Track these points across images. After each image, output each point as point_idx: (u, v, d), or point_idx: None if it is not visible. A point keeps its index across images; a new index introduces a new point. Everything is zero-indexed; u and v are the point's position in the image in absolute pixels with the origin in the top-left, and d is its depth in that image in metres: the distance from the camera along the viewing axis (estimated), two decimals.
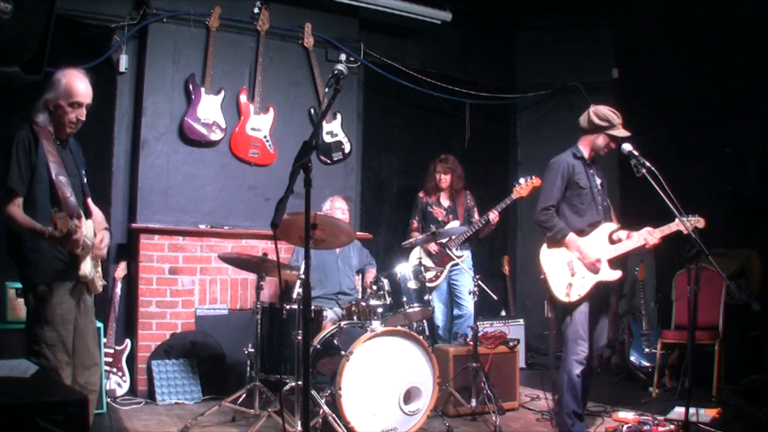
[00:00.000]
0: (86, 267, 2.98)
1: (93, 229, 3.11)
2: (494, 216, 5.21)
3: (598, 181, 3.85)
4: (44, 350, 2.86)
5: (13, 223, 2.85)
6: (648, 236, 3.63)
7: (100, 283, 3.15)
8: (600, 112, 3.75)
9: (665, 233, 3.61)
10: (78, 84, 2.96)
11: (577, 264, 3.74)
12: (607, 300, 3.95)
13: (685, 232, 3.54)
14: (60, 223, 2.70)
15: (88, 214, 3.13)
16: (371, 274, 5.03)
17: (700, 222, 3.53)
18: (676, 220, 3.54)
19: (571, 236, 3.72)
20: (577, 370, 3.66)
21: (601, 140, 3.77)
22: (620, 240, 3.74)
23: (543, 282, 3.83)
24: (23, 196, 2.87)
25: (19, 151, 2.85)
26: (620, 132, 3.71)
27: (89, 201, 3.19)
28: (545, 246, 3.87)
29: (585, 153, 3.83)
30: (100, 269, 3.16)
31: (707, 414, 4.21)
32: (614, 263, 3.71)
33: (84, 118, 3.01)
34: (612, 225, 3.80)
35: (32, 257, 2.91)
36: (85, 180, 3.15)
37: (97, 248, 3.06)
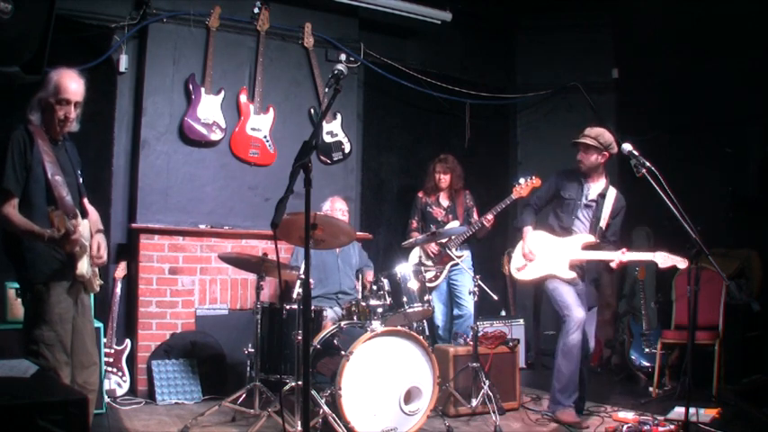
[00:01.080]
0: (83, 266, 2.98)
1: (90, 229, 3.11)
2: (487, 222, 5.21)
3: (589, 195, 4.25)
4: (42, 350, 2.86)
5: (9, 224, 2.85)
6: (620, 255, 3.96)
7: (97, 282, 3.14)
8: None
9: (636, 258, 4.03)
10: (68, 81, 2.94)
11: (542, 254, 4.27)
12: (587, 299, 4.30)
13: (661, 266, 3.86)
14: (57, 222, 2.69)
15: (84, 214, 3.12)
16: (370, 275, 5.02)
17: (683, 264, 3.80)
18: (656, 253, 3.89)
19: (526, 229, 4.39)
20: (573, 334, 4.03)
21: (578, 156, 4.27)
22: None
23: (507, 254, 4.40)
24: (19, 197, 2.86)
25: (14, 152, 2.84)
26: (579, 139, 4.20)
27: (85, 201, 3.18)
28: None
29: (581, 169, 4.28)
30: (97, 269, 3.15)
31: (707, 414, 4.21)
32: (573, 265, 4.20)
33: (72, 116, 2.98)
34: (590, 237, 4.17)
35: (29, 257, 2.90)
36: (81, 180, 3.14)
37: (97, 258, 3.06)
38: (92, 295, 3.24)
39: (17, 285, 4.00)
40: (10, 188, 2.83)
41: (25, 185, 2.87)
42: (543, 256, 4.30)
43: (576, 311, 4.09)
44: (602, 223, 4.20)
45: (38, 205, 2.88)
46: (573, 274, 4.18)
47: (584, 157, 4.22)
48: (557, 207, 4.37)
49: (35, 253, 2.89)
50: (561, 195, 4.32)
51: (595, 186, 4.29)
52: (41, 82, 2.97)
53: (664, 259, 3.83)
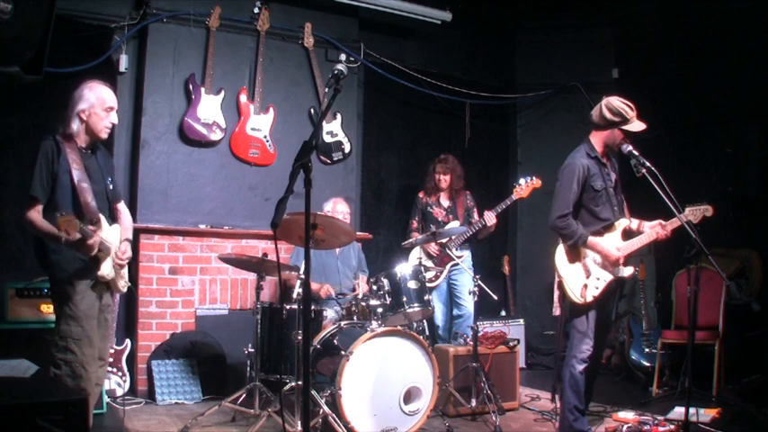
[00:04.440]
0: (106, 268, 3.17)
1: (120, 234, 3.34)
2: (490, 220, 5.19)
3: (613, 177, 3.75)
4: (71, 345, 3.06)
5: (33, 228, 3.07)
6: (660, 229, 3.59)
7: (122, 283, 3.34)
8: (612, 106, 3.57)
9: (673, 226, 3.55)
10: (106, 92, 3.23)
11: (591, 265, 3.67)
12: (614, 297, 3.90)
13: (696, 221, 3.52)
14: (64, 226, 2.83)
15: (115, 219, 3.37)
16: (363, 280, 4.97)
17: (708, 211, 3.54)
18: (686, 209, 3.53)
19: (591, 239, 3.62)
20: (581, 367, 3.63)
21: (614, 137, 3.61)
22: (631, 230, 3.71)
23: (559, 285, 3.73)
24: (44, 203, 3.08)
25: (42, 161, 3.08)
26: (635, 127, 3.55)
27: (120, 206, 3.45)
28: (559, 248, 3.74)
29: (598, 149, 3.69)
30: (126, 272, 3.37)
31: (707, 414, 4.21)
32: (626, 259, 3.67)
33: (116, 121, 3.28)
34: (624, 221, 3.73)
35: (55, 258, 3.11)
36: (111, 187, 3.35)
37: (119, 260, 3.28)
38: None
39: (18, 285, 4.18)
40: (36, 195, 3.06)
41: (52, 192, 3.10)
42: (593, 265, 3.67)
43: (589, 345, 3.63)
44: (623, 199, 3.82)
45: (63, 210, 3.06)
46: (631, 269, 3.67)
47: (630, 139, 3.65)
48: (590, 203, 3.67)
49: (60, 254, 3.09)
50: (593, 187, 3.64)
51: (609, 162, 3.79)
52: (70, 98, 3.20)
53: (694, 214, 3.56)
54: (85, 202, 3.10)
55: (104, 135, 3.26)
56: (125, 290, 3.37)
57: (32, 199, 3.06)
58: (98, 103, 3.18)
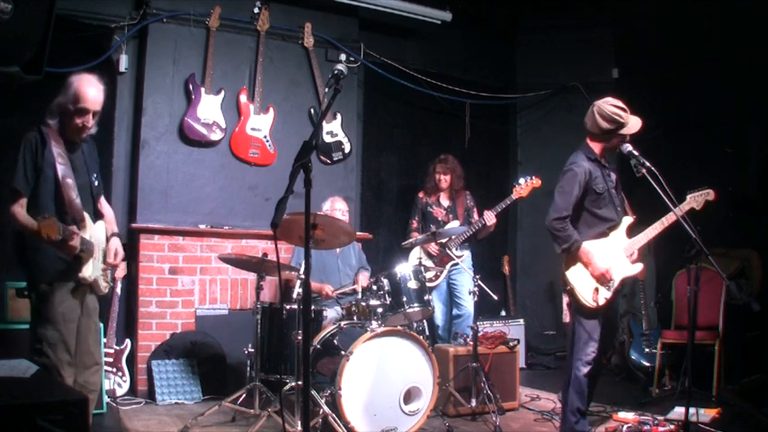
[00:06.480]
0: (88, 270, 3.02)
1: (105, 231, 3.20)
2: (489, 219, 5.19)
3: (613, 177, 3.74)
4: (45, 349, 2.90)
5: (15, 223, 2.91)
6: (666, 222, 3.59)
7: (104, 284, 3.18)
8: (605, 113, 3.54)
9: (678, 215, 3.50)
10: (87, 90, 3.00)
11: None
12: (618, 298, 3.90)
13: (698, 207, 3.55)
14: (45, 230, 2.70)
15: (99, 216, 3.21)
16: (365, 279, 4.96)
17: (710, 195, 3.57)
18: (687, 197, 3.54)
19: (583, 247, 3.57)
20: (585, 369, 3.62)
21: (613, 142, 3.61)
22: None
23: (569, 292, 3.67)
24: (28, 197, 2.93)
25: (25, 153, 2.93)
26: (632, 128, 3.54)
27: (102, 201, 3.27)
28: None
29: (597, 152, 3.67)
30: (109, 270, 3.21)
31: (707, 414, 4.21)
32: (631, 257, 3.65)
33: (90, 124, 3.05)
34: (628, 219, 3.72)
35: (35, 257, 2.96)
36: (96, 183, 3.20)
37: (112, 263, 3.16)
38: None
39: (18, 285, 4.12)
40: (19, 188, 2.91)
41: (35, 186, 2.94)
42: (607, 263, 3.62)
43: (593, 348, 3.61)
44: (624, 198, 3.81)
45: (45, 205, 2.94)
46: (641, 266, 3.65)
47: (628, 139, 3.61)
48: (592, 206, 3.64)
49: (40, 253, 2.94)
50: (595, 190, 3.61)
51: (608, 163, 3.78)
52: (62, 86, 3.02)
53: (696, 200, 3.58)
54: (69, 200, 2.95)
55: (76, 137, 3.03)
56: (106, 291, 3.19)
57: (15, 192, 2.91)
58: (72, 100, 2.97)
